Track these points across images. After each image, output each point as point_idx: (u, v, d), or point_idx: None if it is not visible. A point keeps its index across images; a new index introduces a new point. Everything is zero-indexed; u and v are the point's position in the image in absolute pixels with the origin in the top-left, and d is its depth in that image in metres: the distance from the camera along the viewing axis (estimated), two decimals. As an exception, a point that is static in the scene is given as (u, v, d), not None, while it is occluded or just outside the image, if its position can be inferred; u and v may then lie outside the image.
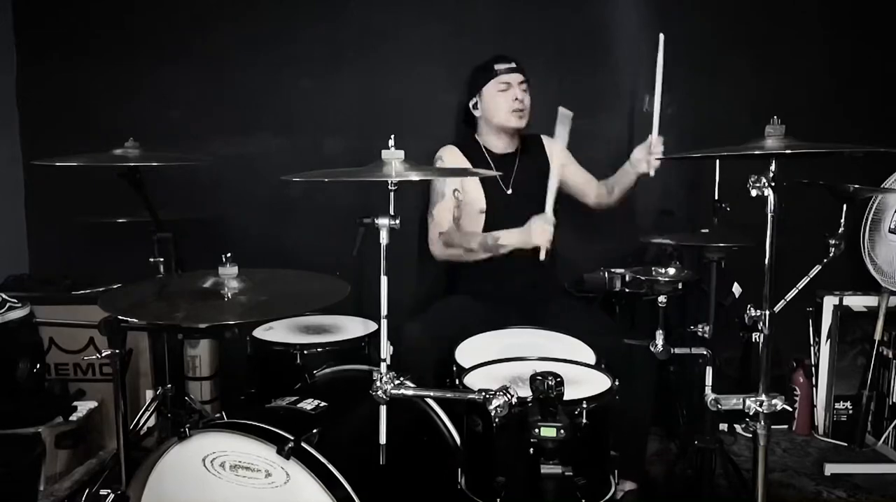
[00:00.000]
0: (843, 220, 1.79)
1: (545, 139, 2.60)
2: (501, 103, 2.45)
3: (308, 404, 1.70)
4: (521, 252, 2.29)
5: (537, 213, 2.32)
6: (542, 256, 2.23)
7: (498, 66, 2.45)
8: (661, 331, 1.93)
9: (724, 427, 2.88)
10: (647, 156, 2.36)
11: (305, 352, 2.11)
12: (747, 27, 2.98)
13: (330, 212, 2.95)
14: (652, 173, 2.35)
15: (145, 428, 2.51)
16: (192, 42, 2.99)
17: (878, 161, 2.83)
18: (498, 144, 2.54)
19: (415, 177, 1.56)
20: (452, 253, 2.44)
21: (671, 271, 1.98)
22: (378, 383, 1.45)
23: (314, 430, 1.51)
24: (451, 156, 2.50)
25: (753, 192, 1.48)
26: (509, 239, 2.30)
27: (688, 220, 2.90)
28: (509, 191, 2.48)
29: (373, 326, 2.26)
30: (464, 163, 2.49)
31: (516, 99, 2.44)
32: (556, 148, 2.58)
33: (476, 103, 2.52)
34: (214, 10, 2.98)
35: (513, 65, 2.46)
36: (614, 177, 2.55)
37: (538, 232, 2.23)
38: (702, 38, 2.95)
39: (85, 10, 3.01)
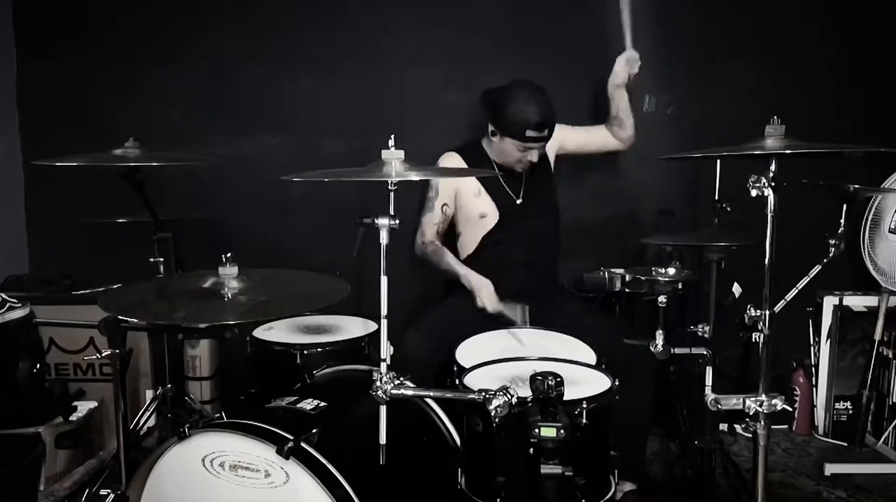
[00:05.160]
0: (843, 220, 1.79)
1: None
2: (518, 157, 2.39)
3: (308, 404, 1.70)
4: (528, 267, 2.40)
5: (547, 223, 2.44)
6: (479, 303, 2.29)
7: (529, 133, 2.30)
8: (661, 331, 1.93)
9: (724, 427, 2.88)
10: (623, 68, 2.45)
11: (305, 352, 2.11)
12: (747, 27, 2.98)
13: (330, 212, 2.95)
14: (634, 71, 2.47)
15: (145, 428, 2.51)
16: (193, 42, 2.99)
17: (878, 161, 2.84)
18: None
19: (415, 177, 1.56)
20: (426, 259, 2.49)
21: (671, 271, 1.98)
22: (378, 383, 1.45)
23: (314, 430, 1.51)
24: (452, 164, 2.48)
25: (753, 192, 1.48)
26: (465, 281, 2.35)
27: (688, 220, 2.90)
28: (519, 201, 2.47)
29: (373, 326, 2.27)
30: None
31: (531, 160, 2.39)
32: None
33: (494, 132, 2.41)
34: (214, 10, 2.98)
35: (545, 133, 2.32)
36: (612, 109, 2.61)
37: (486, 297, 2.28)
38: (702, 38, 2.95)
39: (85, 10, 3.01)
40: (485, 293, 2.29)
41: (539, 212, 2.47)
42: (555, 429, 1.38)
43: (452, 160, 2.49)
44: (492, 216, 2.45)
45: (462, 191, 2.46)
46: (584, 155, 2.69)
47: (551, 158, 2.60)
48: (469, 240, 2.50)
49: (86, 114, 3.00)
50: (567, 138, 2.62)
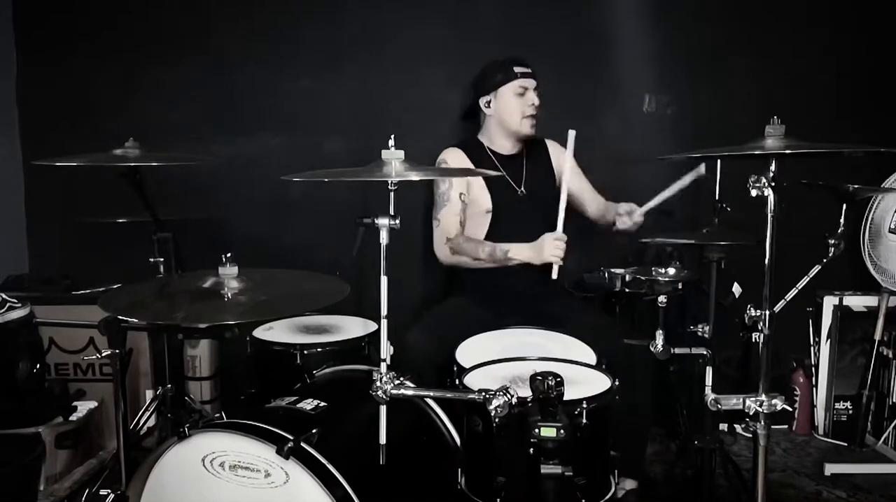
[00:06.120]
0: (843, 220, 1.79)
1: (549, 143, 2.61)
2: (517, 108, 2.42)
3: (308, 404, 1.70)
4: (530, 266, 2.30)
5: (549, 215, 2.34)
6: (555, 274, 2.24)
7: (517, 69, 2.41)
8: (661, 331, 1.93)
9: (724, 427, 2.88)
10: (626, 219, 2.44)
11: (305, 352, 2.11)
12: (747, 27, 2.98)
13: (330, 212, 2.95)
14: (623, 226, 2.45)
15: (145, 428, 2.51)
16: (192, 42, 2.99)
17: (879, 161, 2.83)
18: (504, 145, 2.53)
19: (415, 177, 1.56)
20: (459, 260, 2.42)
21: (671, 271, 1.98)
22: (378, 383, 1.45)
23: (313, 430, 1.51)
24: (454, 158, 2.48)
25: (753, 192, 1.48)
26: (519, 253, 2.31)
27: (688, 220, 2.90)
28: (521, 192, 2.47)
29: (373, 326, 2.27)
30: (468, 165, 2.48)
31: (532, 104, 2.42)
32: (566, 159, 2.54)
33: (490, 101, 2.47)
34: (214, 10, 2.98)
35: (529, 69, 2.43)
36: (612, 206, 2.58)
37: (550, 248, 2.24)
38: (702, 38, 2.95)
39: (85, 10, 3.01)
40: (548, 250, 2.24)
41: (542, 205, 2.44)
42: (555, 429, 1.38)
43: (455, 155, 2.49)
44: (496, 211, 2.45)
45: (473, 182, 2.46)
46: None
47: (556, 172, 2.59)
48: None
49: (86, 114, 3.00)
50: (571, 171, 2.57)
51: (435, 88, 2.97)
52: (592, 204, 2.62)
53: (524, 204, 2.45)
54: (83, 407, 2.67)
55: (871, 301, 2.91)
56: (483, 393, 1.43)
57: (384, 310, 1.47)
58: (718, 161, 2.31)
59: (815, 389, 3.01)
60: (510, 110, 2.44)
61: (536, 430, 1.38)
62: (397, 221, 1.44)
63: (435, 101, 2.97)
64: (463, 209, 2.44)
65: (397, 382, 1.47)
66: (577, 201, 2.60)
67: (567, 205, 2.43)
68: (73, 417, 2.61)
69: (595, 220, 2.64)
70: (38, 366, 2.53)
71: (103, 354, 1.63)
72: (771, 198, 1.47)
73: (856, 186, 1.80)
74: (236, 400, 2.35)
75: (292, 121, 3.03)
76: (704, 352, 2.02)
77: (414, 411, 1.86)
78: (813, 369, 3.02)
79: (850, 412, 2.95)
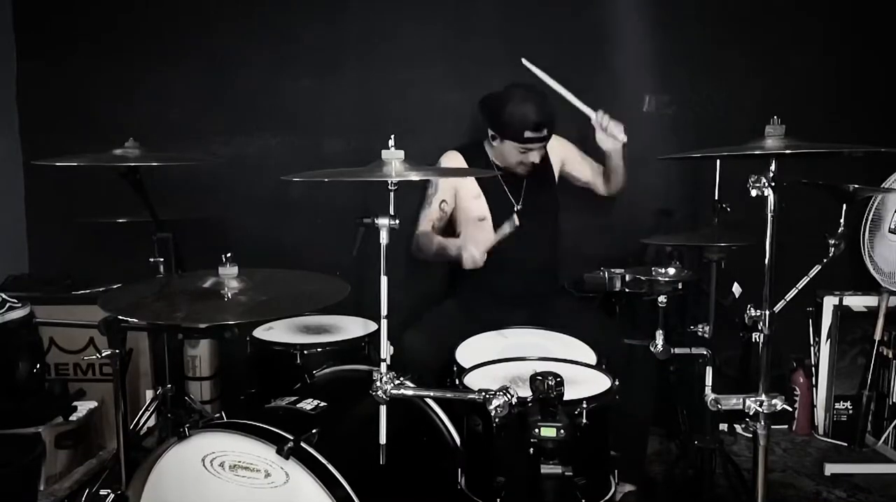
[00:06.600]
0: (843, 220, 1.79)
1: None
2: (516, 157, 2.39)
3: (308, 404, 1.70)
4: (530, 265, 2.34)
5: (546, 227, 2.36)
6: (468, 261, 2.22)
7: (528, 134, 2.30)
8: (661, 331, 1.93)
9: (724, 427, 2.88)
10: (603, 136, 2.41)
11: (305, 352, 2.12)
12: (747, 27, 2.97)
13: (330, 212, 2.95)
14: (621, 138, 2.41)
15: (145, 428, 2.51)
16: (192, 42, 2.99)
17: (878, 161, 2.83)
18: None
19: (415, 177, 1.56)
20: (422, 255, 2.45)
21: (671, 271, 1.98)
22: (378, 383, 1.45)
23: (313, 430, 1.51)
24: (450, 163, 2.47)
25: (753, 192, 1.48)
26: (458, 249, 2.26)
27: (688, 220, 2.90)
28: (519, 206, 2.44)
29: (373, 326, 2.27)
30: None
31: (532, 162, 2.39)
32: (554, 146, 2.56)
33: (494, 136, 2.42)
34: (214, 10, 2.98)
35: (544, 133, 2.31)
36: (605, 161, 2.58)
37: (469, 261, 2.19)
38: (702, 38, 2.95)
39: (85, 10, 3.01)
40: (471, 248, 2.19)
41: (539, 217, 2.45)
42: (555, 429, 1.38)
43: (454, 159, 2.48)
44: (491, 219, 2.43)
45: (462, 192, 2.46)
46: (573, 182, 2.65)
47: (556, 168, 2.59)
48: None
49: (86, 114, 3.00)
50: (573, 160, 2.61)
51: (435, 88, 2.97)
52: (599, 180, 2.62)
53: (522, 217, 2.43)
54: (83, 407, 2.67)
55: (871, 301, 2.91)
56: (483, 393, 1.43)
57: (384, 310, 1.47)
58: (718, 161, 2.30)
59: (815, 389, 3.01)
60: (510, 156, 2.40)
61: (536, 430, 1.38)
62: (397, 221, 1.45)
63: (435, 101, 2.96)
64: (440, 217, 2.45)
65: (397, 382, 1.47)
66: (584, 182, 2.63)
67: (579, 187, 2.54)
68: (73, 417, 2.61)
69: (608, 195, 2.63)
70: (38, 366, 2.54)
71: (103, 354, 1.63)
72: (771, 198, 1.47)
73: (856, 186, 1.80)
74: (236, 401, 2.35)
75: (292, 121, 3.03)
76: (704, 352, 2.02)
77: (414, 411, 1.87)
78: (813, 369, 3.02)
79: (850, 412, 2.95)
